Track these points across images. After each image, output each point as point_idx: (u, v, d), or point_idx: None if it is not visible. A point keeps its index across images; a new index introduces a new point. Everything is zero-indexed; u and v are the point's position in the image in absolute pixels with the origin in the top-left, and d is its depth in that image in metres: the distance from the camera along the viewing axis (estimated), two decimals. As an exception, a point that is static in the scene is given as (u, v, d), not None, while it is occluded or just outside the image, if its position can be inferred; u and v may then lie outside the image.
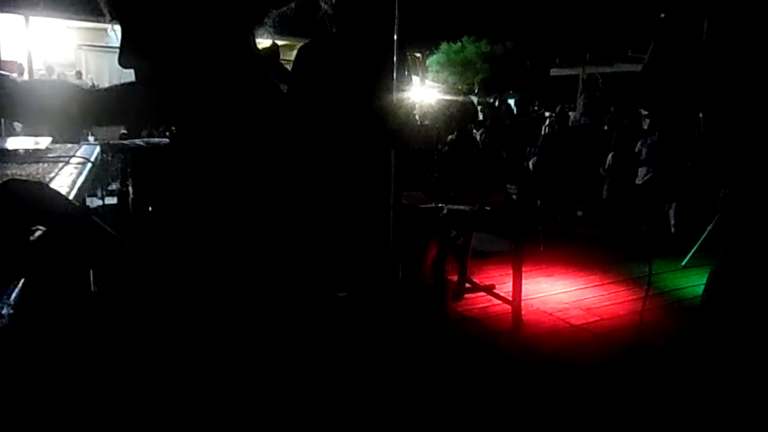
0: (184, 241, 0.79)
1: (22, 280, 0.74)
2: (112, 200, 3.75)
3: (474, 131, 8.76)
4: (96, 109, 1.05)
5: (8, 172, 1.40)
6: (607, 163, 6.32)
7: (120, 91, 1.01)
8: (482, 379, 2.81)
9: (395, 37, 2.64)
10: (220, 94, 0.77)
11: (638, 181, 5.94)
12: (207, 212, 0.77)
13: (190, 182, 0.81)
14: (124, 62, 0.75)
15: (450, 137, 5.68)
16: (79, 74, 10.21)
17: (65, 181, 1.36)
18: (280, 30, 0.87)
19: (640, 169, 5.94)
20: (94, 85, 9.84)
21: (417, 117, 9.71)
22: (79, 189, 1.34)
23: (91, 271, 1.40)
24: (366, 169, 2.57)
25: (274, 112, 0.80)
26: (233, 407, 0.80)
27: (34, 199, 0.66)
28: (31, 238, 0.65)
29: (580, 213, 6.68)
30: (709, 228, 4.90)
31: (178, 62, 0.75)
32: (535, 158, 6.87)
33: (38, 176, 1.37)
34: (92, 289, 1.56)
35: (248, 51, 0.81)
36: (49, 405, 1.00)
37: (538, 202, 6.41)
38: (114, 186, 4.34)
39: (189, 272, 0.75)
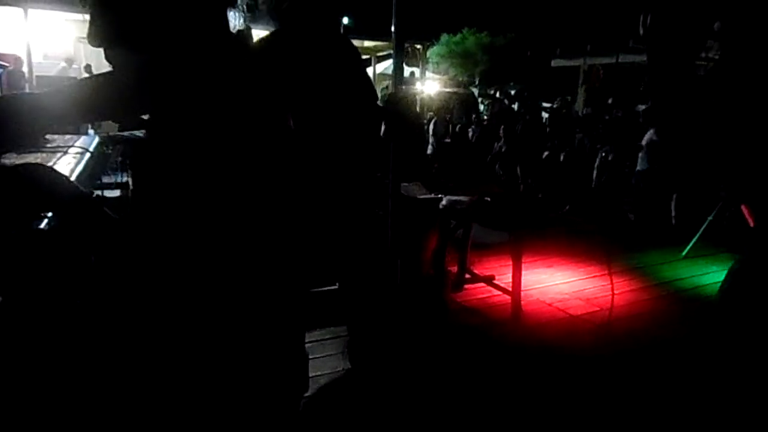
0: (176, 228, 0.79)
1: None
2: (110, 193, 3.74)
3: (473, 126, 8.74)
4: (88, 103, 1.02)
5: (7, 161, 1.40)
6: (606, 155, 6.32)
7: (96, 83, 0.97)
8: (482, 368, 2.82)
9: (393, 28, 2.63)
10: (192, 73, 0.77)
11: (638, 168, 5.92)
12: (192, 200, 0.77)
13: (172, 167, 0.81)
14: (92, 42, 0.76)
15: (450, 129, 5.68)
16: (70, 62, 10.10)
17: (63, 170, 1.36)
18: (252, 19, 0.87)
19: (640, 156, 5.91)
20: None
21: (417, 108, 9.68)
22: (77, 178, 1.34)
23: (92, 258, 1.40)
24: (363, 161, 2.54)
25: (246, 94, 0.80)
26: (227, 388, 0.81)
27: (45, 182, 0.67)
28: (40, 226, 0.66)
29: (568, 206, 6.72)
30: (709, 218, 4.90)
31: (149, 40, 0.74)
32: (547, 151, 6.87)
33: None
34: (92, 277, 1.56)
35: (220, 32, 0.80)
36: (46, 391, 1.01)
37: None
38: (113, 179, 4.32)
39: (182, 259, 0.75)
